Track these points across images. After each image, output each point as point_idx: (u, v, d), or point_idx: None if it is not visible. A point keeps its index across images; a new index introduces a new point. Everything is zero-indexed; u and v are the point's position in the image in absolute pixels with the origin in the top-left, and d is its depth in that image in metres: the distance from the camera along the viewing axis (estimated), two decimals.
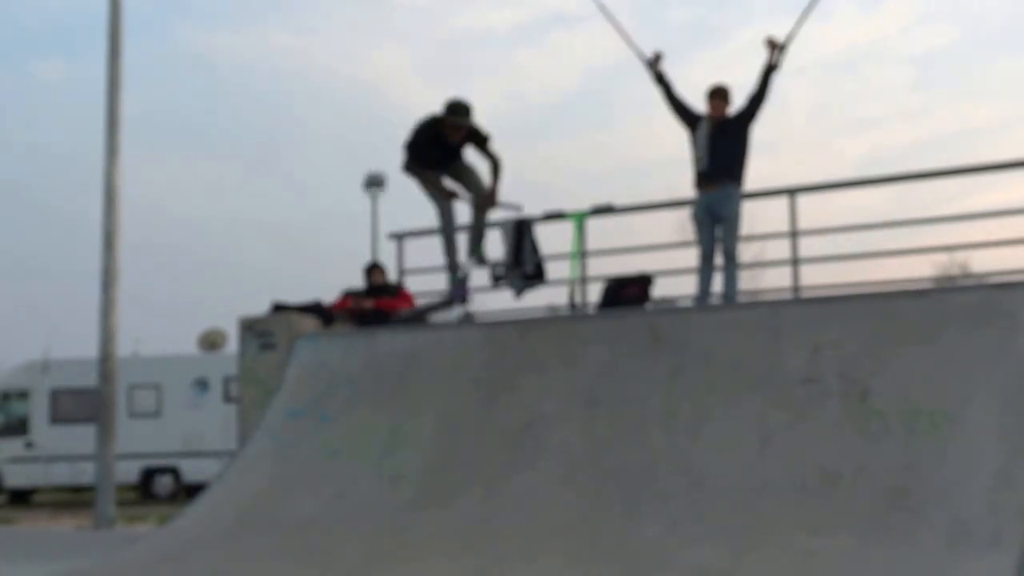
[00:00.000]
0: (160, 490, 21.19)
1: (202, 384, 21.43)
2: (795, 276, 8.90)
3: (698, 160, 8.66)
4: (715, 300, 8.61)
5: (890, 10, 49.76)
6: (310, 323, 9.81)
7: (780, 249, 9.40)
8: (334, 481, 8.12)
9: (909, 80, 49.62)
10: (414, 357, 8.84)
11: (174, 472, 21.16)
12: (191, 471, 20.45)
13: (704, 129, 8.65)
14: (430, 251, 10.05)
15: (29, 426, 21.50)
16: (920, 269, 10.41)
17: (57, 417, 21.34)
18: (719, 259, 8.62)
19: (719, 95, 8.70)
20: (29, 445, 21.30)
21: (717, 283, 8.65)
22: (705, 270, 8.68)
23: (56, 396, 21.47)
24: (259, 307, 10.02)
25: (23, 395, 21.72)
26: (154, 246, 41.80)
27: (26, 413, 21.63)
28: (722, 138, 8.56)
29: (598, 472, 7.28)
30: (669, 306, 9.02)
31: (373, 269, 10.51)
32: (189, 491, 18.55)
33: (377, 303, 10.08)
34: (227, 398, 20.03)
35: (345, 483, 7.99)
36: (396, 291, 10.39)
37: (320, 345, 9.49)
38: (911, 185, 9.40)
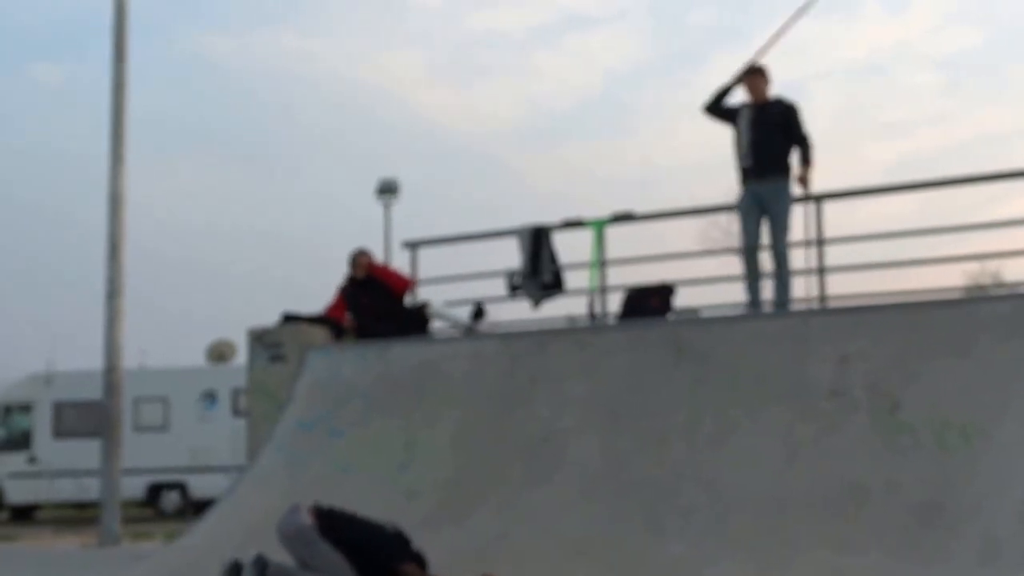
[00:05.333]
0: (167, 506, 21.07)
1: (210, 397, 21.27)
2: (821, 285, 8.79)
3: (742, 156, 8.40)
4: (766, 308, 8.36)
5: (917, 12, 49.38)
6: (321, 334, 9.71)
7: (806, 257, 9.26)
8: (347, 496, 7.95)
9: (938, 83, 48.94)
10: (429, 368, 8.76)
11: (181, 488, 21.02)
12: (199, 487, 20.28)
13: (746, 117, 8.37)
14: (445, 260, 9.95)
15: (32, 440, 21.32)
16: (950, 278, 10.23)
17: (61, 431, 21.18)
18: (768, 263, 8.36)
19: (757, 73, 8.40)
20: (32, 460, 21.16)
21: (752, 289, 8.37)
22: (751, 267, 8.38)
23: (59, 409, 21.31)
24: (269, 318, 9.95)
25: (25, 408, 21.56)
26: (161, 255, 41.58)
27: (29, 427, 21.45)
28: (764, 128, 8.23)
29: (618, 487, 7.19)
30: (692, 316, 8.89)
31: (359, 256, 9.86)
32: (197, 507, 18.40)
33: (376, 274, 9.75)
34: (236, 411, 19.86)
35: (359, 498, 7.83)
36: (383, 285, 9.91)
37: (332, 356, 9.41)
38: (940, 192, 9.33)
